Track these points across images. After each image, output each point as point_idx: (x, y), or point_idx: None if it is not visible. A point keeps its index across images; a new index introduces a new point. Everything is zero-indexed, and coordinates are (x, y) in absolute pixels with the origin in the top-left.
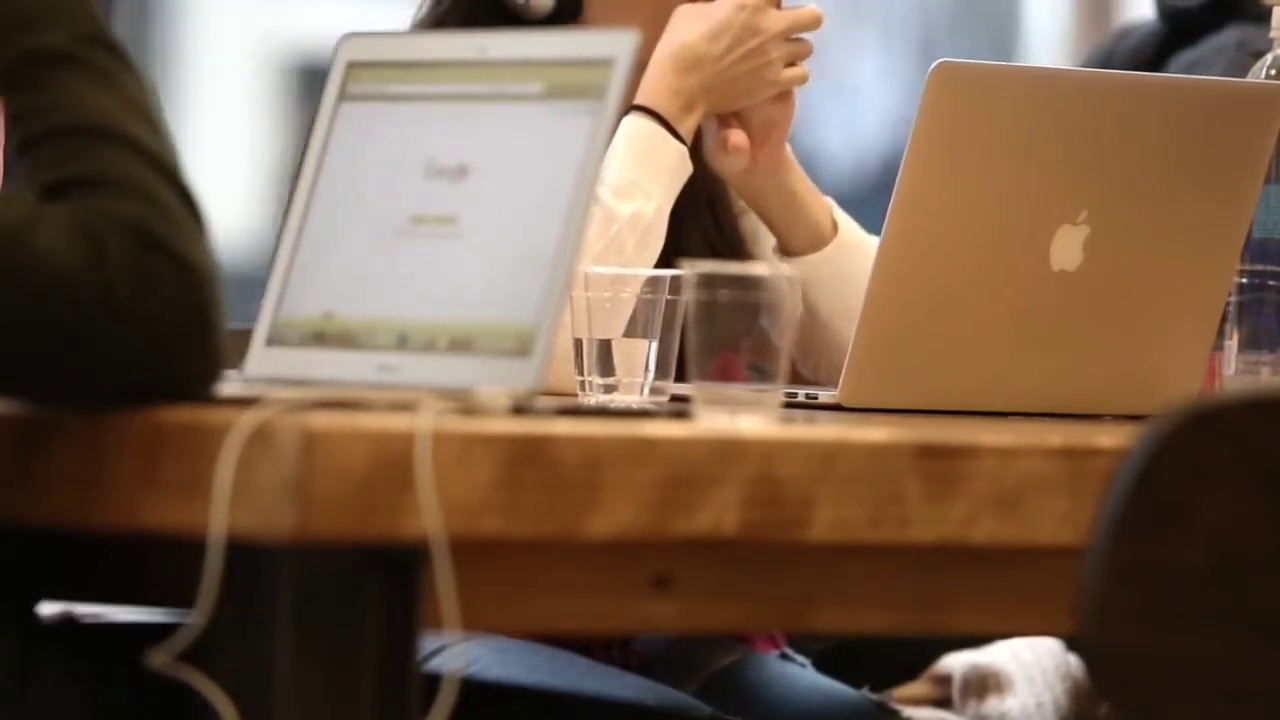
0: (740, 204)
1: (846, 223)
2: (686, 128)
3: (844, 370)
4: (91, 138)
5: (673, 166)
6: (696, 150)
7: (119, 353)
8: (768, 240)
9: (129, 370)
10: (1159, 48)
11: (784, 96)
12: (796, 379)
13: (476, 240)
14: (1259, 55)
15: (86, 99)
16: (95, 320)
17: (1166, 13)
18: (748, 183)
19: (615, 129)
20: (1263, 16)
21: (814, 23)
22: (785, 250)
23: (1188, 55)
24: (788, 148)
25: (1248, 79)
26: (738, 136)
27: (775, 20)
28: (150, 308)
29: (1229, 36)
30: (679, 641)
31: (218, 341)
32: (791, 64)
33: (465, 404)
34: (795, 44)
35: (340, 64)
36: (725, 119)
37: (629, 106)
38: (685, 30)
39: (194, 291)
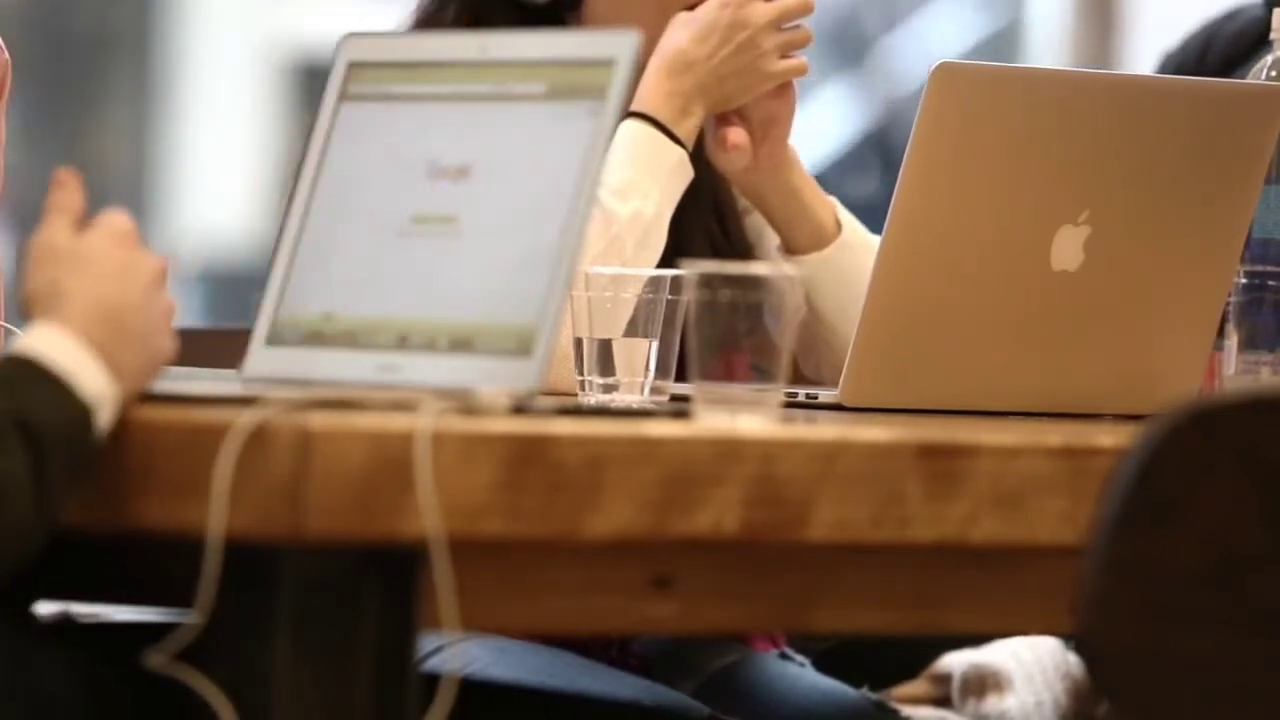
0: (744, 204)
1: (850, 222)
2: (685, 131)
3: (844, 370)
4: None
5: (671, 169)
6: (700, 152)
7: None
8: (771, 240)
9: None
10: (1259, 37)
11: (784, 91)
12: (798, 378)
13: (477, 240)
14: None
15: None
16: None
17: (1272, 1)
18: (750, 180)
19: (616, 131)
20: None
21: (804, 9)
22: (788, 248)
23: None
24: (791, 146)
25: (1248, 79)
26: (736, 135)
27: (762, 12)
28: None
29: None
30: (678, 641)
31: None
32: (788, 56)
33: (465, 404)
34: (788, 33)
35: (341, 64)
36: (725, 117)
37: (626, 113)
38: (675, 37)
39: None
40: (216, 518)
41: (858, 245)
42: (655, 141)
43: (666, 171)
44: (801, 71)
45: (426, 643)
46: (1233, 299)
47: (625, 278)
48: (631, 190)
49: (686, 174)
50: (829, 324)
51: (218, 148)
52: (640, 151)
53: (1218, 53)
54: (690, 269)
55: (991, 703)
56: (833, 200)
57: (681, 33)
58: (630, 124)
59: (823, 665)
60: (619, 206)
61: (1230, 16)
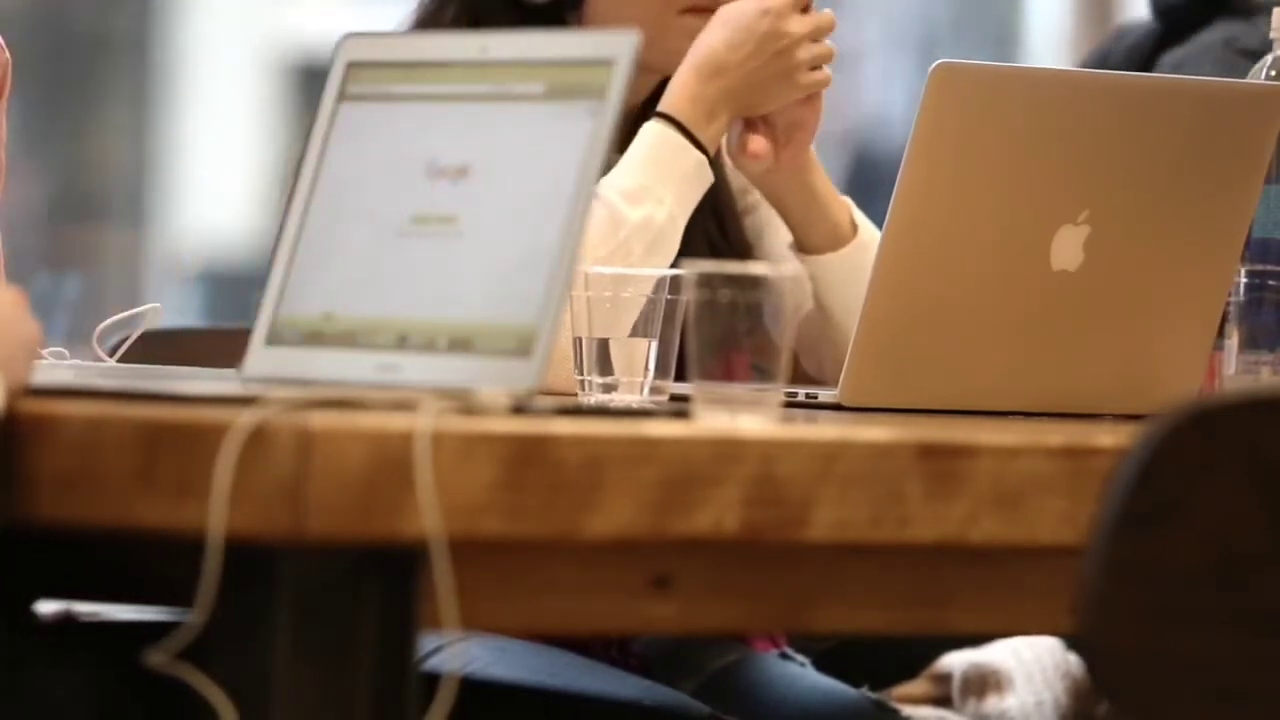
0: (744, 204)
1: (865, 224)
2: (709, 135)
3: (844, 370)
4: None
5: (688, 173)
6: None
7: None
8: (772, 239)
9: None
10: (1154, 47)
11: (811, 98)
12: (799, 376)
13: (477, 240)
14: (1246, 53)
15: None
16: None
17: (1159, 10)
18: (770, 181)
19: (615, 130)
20: (1252, 13)
21: (832, 26)
22: (802, 248)
23: (1177, 53)
24: (811, 148)
25: (1248, 79)
26: (758, 143)
27: (800, 25)
28: None
29: (1216, 34)
30: (678, 641)
31: None
32: (815, 67)
33: (465, 404)
34: (821, 47)
35: (340, 64)
36: (750, 121)
37: (651, 114)
38: (711, 37)
39: None
40: (216, 518)
41: (872, 247)
42: (674, 145)
43: (683, 175)
44: (828, 83)
45: (426, 643)
46: (1233, 299)
47: (626, 278)
48: (644, 195)
49: (705, 179)
50: (836, 323)
51: (218, 148)
52: (657, 155)
53: (1112, 70)
54: (690, 269)
55: (991, 702)
56: (848, 201)
57: (719, 34)
58: (652, 125)
59: (823, 665)
60: (629, 210)
61: (1120, 35)
